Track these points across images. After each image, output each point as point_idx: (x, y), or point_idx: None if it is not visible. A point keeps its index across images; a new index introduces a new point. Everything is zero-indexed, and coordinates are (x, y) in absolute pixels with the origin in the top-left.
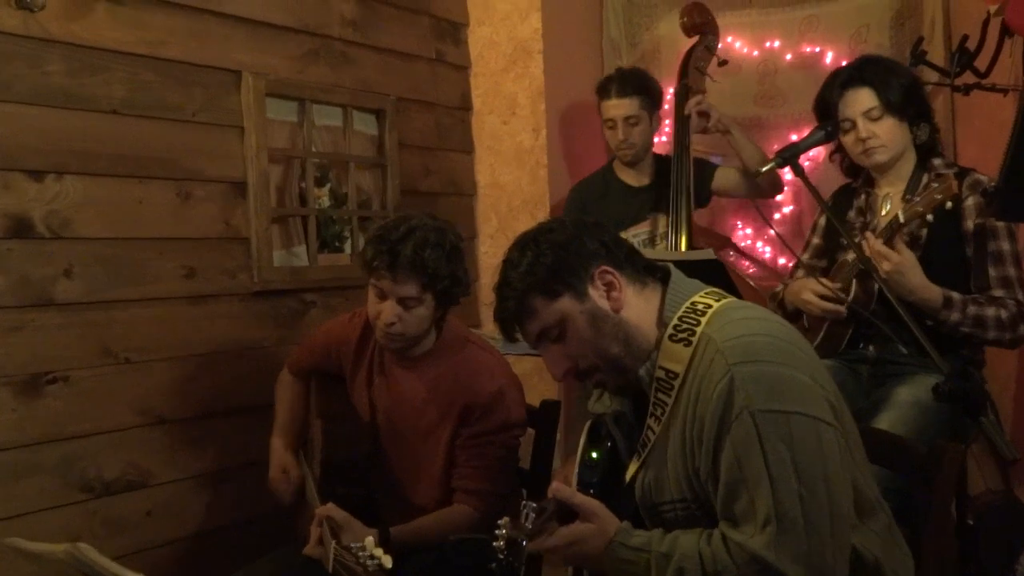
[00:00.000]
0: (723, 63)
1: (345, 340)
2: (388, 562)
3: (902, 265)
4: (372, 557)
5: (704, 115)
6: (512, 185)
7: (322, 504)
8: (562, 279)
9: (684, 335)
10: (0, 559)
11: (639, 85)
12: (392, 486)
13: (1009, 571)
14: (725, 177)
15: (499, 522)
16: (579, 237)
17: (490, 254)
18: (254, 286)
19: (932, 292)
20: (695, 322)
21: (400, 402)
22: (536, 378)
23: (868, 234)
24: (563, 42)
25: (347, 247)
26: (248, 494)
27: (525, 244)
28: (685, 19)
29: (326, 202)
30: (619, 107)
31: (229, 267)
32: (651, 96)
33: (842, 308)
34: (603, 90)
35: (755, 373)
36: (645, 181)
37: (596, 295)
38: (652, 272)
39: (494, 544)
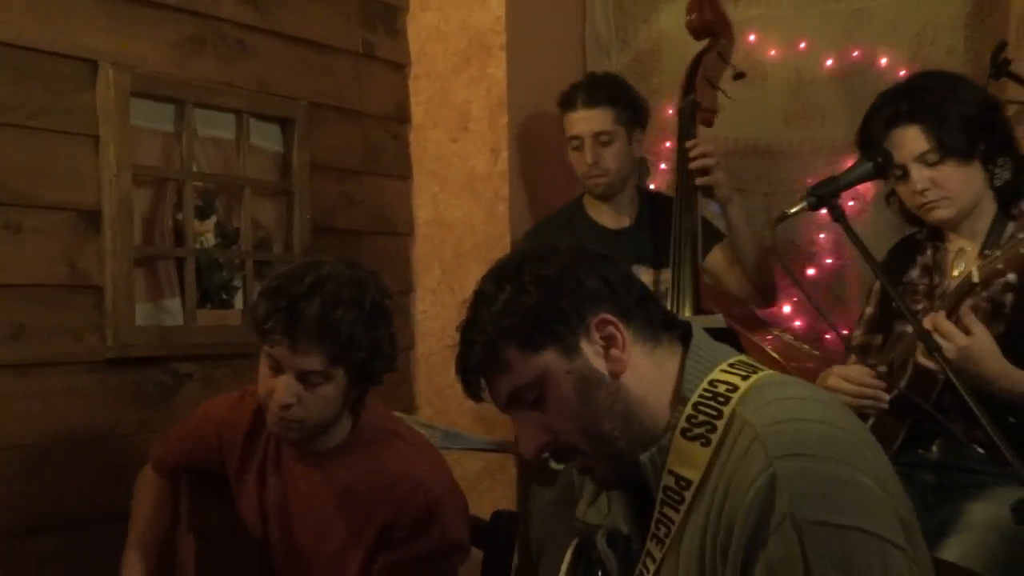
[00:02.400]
0: (739, 76)
1: (231, 427)
2: None
3: (971, 349)
4: None
5: (705, 173)
6: (462, 223)
7: None
8: (548, 327)
9: (702, 430)
10: None
11: (613, 94)
12: None
13: None
14: (715, 257)
15: None
16: (576, 272)
17: (430, 314)
18: (108, 352)
19: (1018, 381)
20: (716, 412)
21: (301, 512)
22: (488, 481)
23: (932, 317)
24: (533, 36)
25: (237, 301)
26: None
27: (504, 276)
28: (693, 16)
29: (211, 240)
30: (586, 120)
31: (73, 326)
32: (629, 108)
33: (883, 396)
34: (567, 101)
35: (804, 471)
36: (625, 222)
37: (591, 352)
38: (671, 328)
39: None
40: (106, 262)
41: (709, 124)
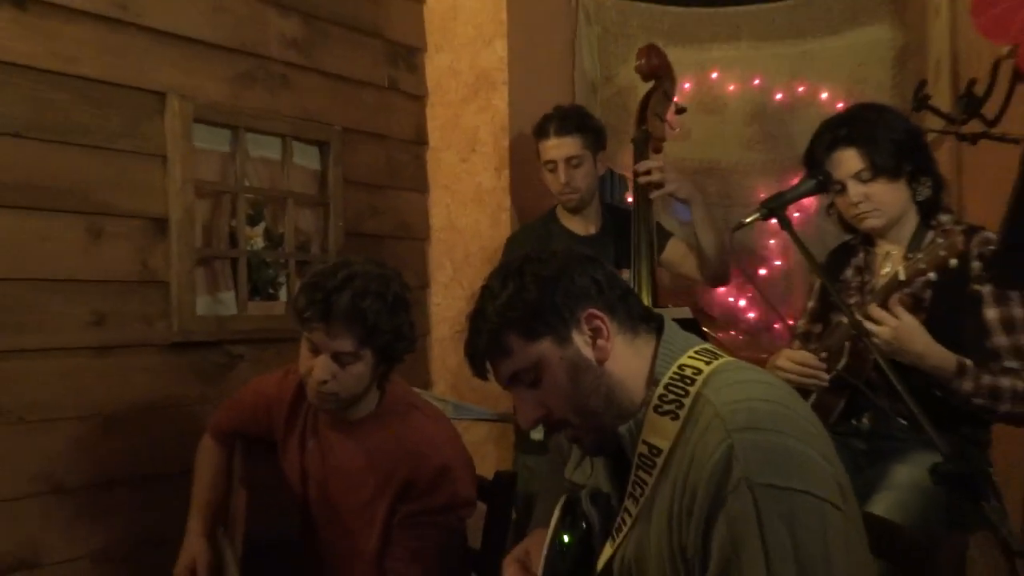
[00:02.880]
0: (681, 110)
1: (276, 400)
2: None
3: (901, 331)
4: None
5: (653, 187)
6: (470, 229)
7: None
8: (545, 319)
9: (671, 407)
10: None
11: (580, 123)
12: (324, 566)
13: None
14: (673, 249)
15: None
16: (570, 273)
17: (443, 305)
18: (173, 336)
19: (944, 358)
20: (683, 392)
21: (335, 472)
22: (491, 446)
23: (867, 307)
24: (531, 73)
25: (282, 294)
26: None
27: (508, 274)
28: (642, 62)
29: (259, 243)
30: (559, 147)
31: (145, 314)
32: (594, 135)
33: (824, 376)
34: (541, 130)
35: (758, 442)
36: (592, 230)
37: (580, 341)
38: (647, 320)
39: None
40: (172, 261)
41: (658, 151)
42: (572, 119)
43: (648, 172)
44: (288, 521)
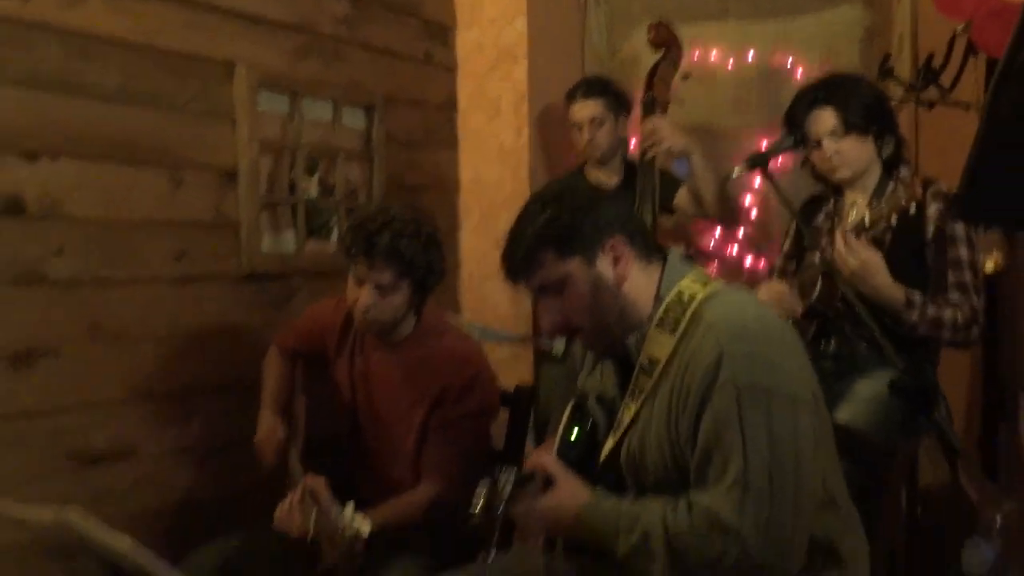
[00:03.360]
0: (686, 76)
1: (330, 324)
2: (366, 529)
3: (868, 263)
4: (352, 524)
5: (654, 144)
6: (494, 182)
7: (303, 475)
8: (576, 241)
9: (670, 325)
10: None
11: (603, 88)
12: (370, 461)
13: (955, 559)
14: (682, 196)
15: (479, 483)
16: (599, 205)
17: (472, 246)
18: (243, 270)
19: (895, 292)
20: (680, 312)
21: (379, 383)
22: (512, 364)
23: (839, 233)
24: (547, 47)
25: (333, 236)
26: (232, 468)
27: (547, 200)
28: (652, 35)
29: (314, 192)
30: (584, 109)
31: (219, 251)
32: (616, 99)
33: (798, 306)
34: (570, 95)
35: (745, 352)
36: (615, 181)
37: (604, 264)
38: (656, 251)
39: (472, 505)
40: (241, 207)
41: (664, 112)
42: (596, 85)
43: (650, 133)
44: (340, 424)
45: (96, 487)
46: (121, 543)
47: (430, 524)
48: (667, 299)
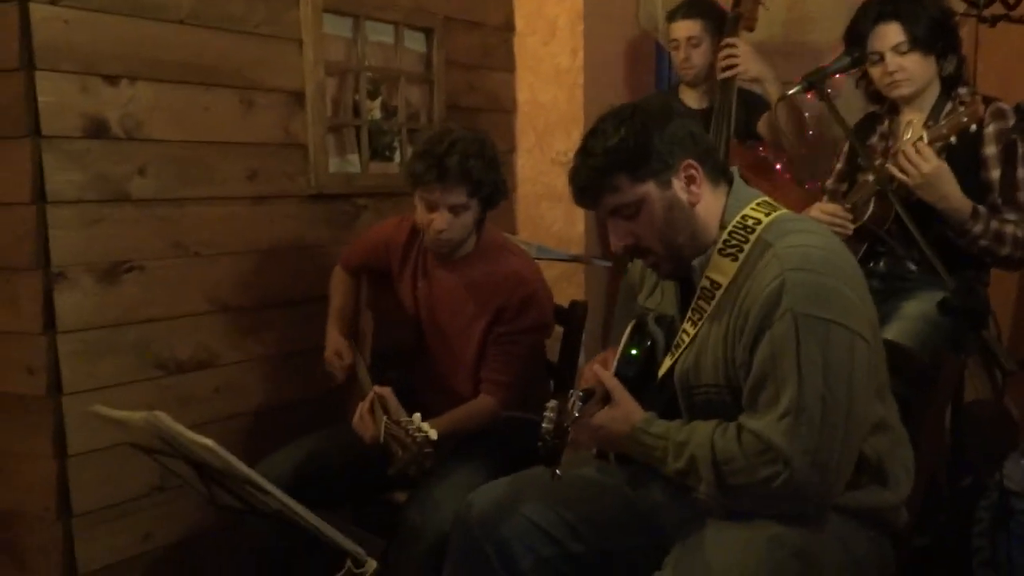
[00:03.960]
0: None
1: (393, 242)
2: (434, 434)
3: (940, 170)
4: (420, 430)
5: (728, 66)
6: (550, 103)
7: (372, 385)
8: (651, 164)
9: (733, 250)
10: (86, 423)
11: (704, 9)
12: (433, 373)
13: (994, 474)
14: (763, 123)
15: (547, 405)
16: (673, 126)
17: (527, 167)
18: (311, 190)
19: (963, 201)
20: (744, 238)
21: (441, 299)
22: (565, 283)
23: (908, 142)
24: None
25: (396, 157)
26: (304, 376)
27: (621, 119)
28: None
29: (377, 114)
30: (682, 28)
31: (288, 171)
32: (714, 20)
33: (849, 226)
34: (671, 14)
35: (806, 280)
36: (705, 104)
37: (679, 186)
38: (723, 172)
39: (543, 426)
40: (308, 128)
41: (751, 29)
42: (697, 6)
43: (728, 55)
44: (405, 337)
45: (180, 393)
46: (204, 443)
47: (491, 431)
48: (731, 224)
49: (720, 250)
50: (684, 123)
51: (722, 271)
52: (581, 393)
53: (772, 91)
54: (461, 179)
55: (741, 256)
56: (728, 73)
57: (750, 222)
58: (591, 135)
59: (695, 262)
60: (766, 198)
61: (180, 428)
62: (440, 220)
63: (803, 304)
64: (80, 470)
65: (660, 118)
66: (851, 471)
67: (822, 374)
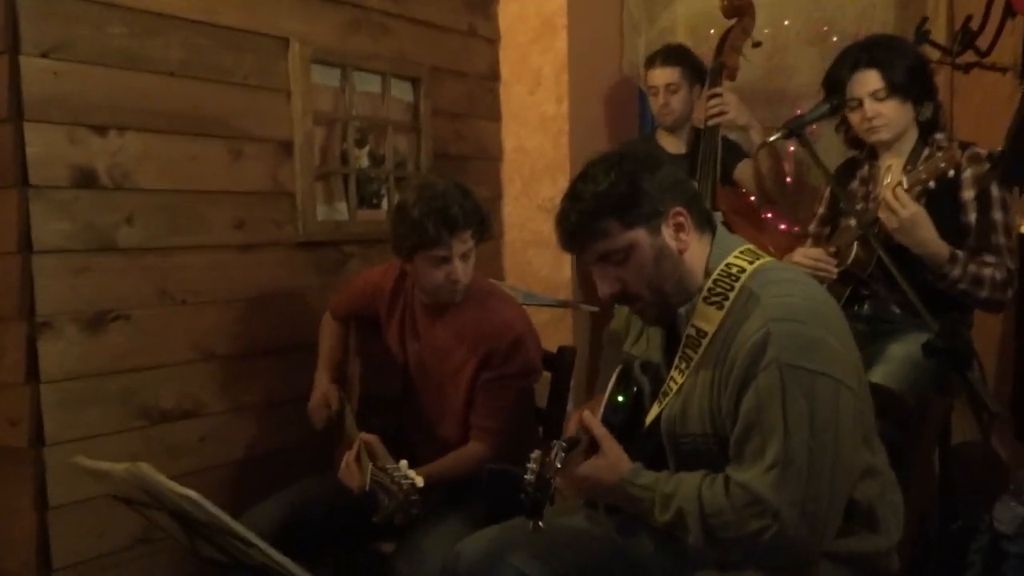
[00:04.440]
0: (757, 44)
1: (380, 289)
2: (420, 481)
3: (917, 216)
4: (406, 477)
5: (717, 114)
6: (535, 151)
7: (359, 433)
8: (641, 210)
9: (718, 298)
10: (68, 474)
11: (681, 57)
12: (421, 420)
13: (984, 517)
14: (742, 169)
15: (531, 456)
16: (660, 170)
17: (514, 213)
18: (299, 237)
19: (941, 246)
20: (728, 286)
21: (429, 345)
22: (553, 327)
23: (887, 188)
24: (586, 18)
25: (384, 204)
26: (291, 425)
27: (611, 165)
28: (725, 2)
29: (365, 162)
30: (660, 75)
31: (276, 219)
32: (692, 68)
33: (833, 270)
34: (650, 61)
35: (791, 331)
36: (683, 149)
37: (667, 233)
38: (708, 220)
39: (525, 478)
40: (297, 176)
41: (733, 79)
42: (675, 53)
43: (715, 103)
44: (393, 384)
45: (165, 443)
46: (186, 494)
47: (479, 479)
48: (716, 272)
49: (705, 298)
50: (672, 170)
51: (708, 319)
52: (564, 444)
53: (756, 138)
54: (467, 223)
55: (727, 304)
56: (717, 120)
57: (734, 270)
58: (580, 180)
59: (681, 310)
60: (749, 246)
61: (162, 479)
62: (458, 270)
63: (788, 355)
64: (61, 523)
65: (649, 164)
66: (840, 520)
67: (808, 425)
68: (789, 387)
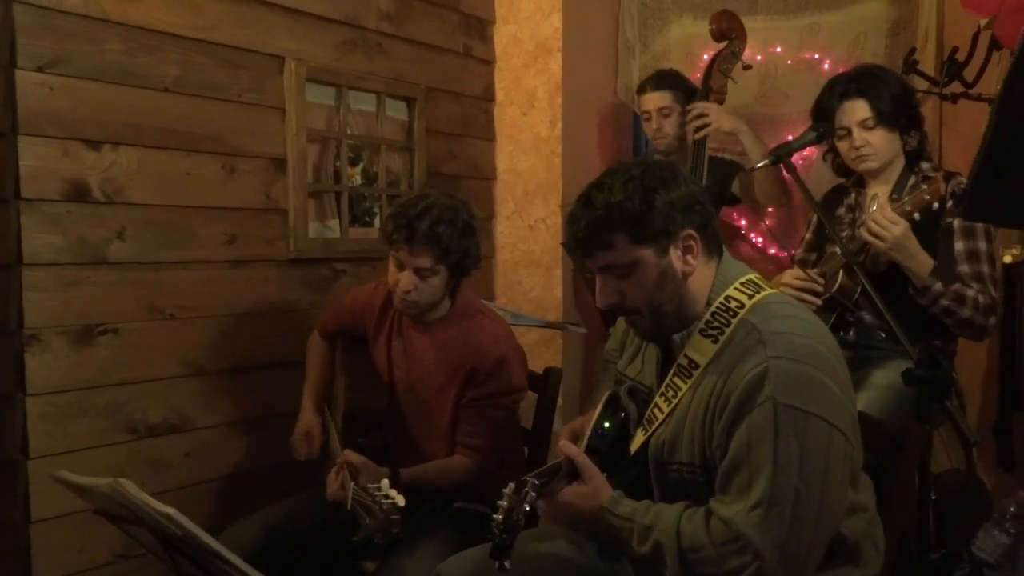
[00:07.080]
0: (747, 67)
1: (369, 306)
2: (401, 501)
3: (907, 229)
4: (387, 497)
5: (701, 126)
6: (528, 172)
7: (343, 451)
8: (652, 229)
9: (714, 332)
10: (51, 488)
11: (673, 82)
12: (406, 437)
13: (967, 544)
14: (741, 179)
15: (504, 491)
16: (679, 190)
17: (506, 233)
18: (290, 254)
19: (927, 260)
20: (726, 321)
21: (415, 362)
22: (542, 348)
23: (878, 207)
24: (581, 41)
25: (376, 222)
26: (278, 441)
27: (629, 177)
28: (713, 26)
29: (358, 180)
30: (653, 100)
31: (268, 236)
32: (684, 92)
33: (818, 291)
34: (642, 86)
35: (789, 369)
36: None
37: (675, 255)
38: (718, 245)
39: (494, 517)
40: (289, 194)
41: (720, 102)
42: (667, 78)
43: (697, 116)
44: (378, 401)
45: (150, 458)
46: (166, 511)
47: (461, 494)
48: (715, 304)
49: (702, 330)
50: (691, 191)
51: (701, 351)
52: (537, 482)
53: (748, 141)
54: (429, 244)
55: (721, 339)
56: (702, 132)
57: (733, 304)
58: (596, 187)
59: (676, 336)
60: (751, 276)
61: (143, 496)
62: (406, 281)
63: (784, 394)
64: (43, 537)
65: (669, 182)
66: (819, 562)
67: (797, 466)
68: (782, 426)
